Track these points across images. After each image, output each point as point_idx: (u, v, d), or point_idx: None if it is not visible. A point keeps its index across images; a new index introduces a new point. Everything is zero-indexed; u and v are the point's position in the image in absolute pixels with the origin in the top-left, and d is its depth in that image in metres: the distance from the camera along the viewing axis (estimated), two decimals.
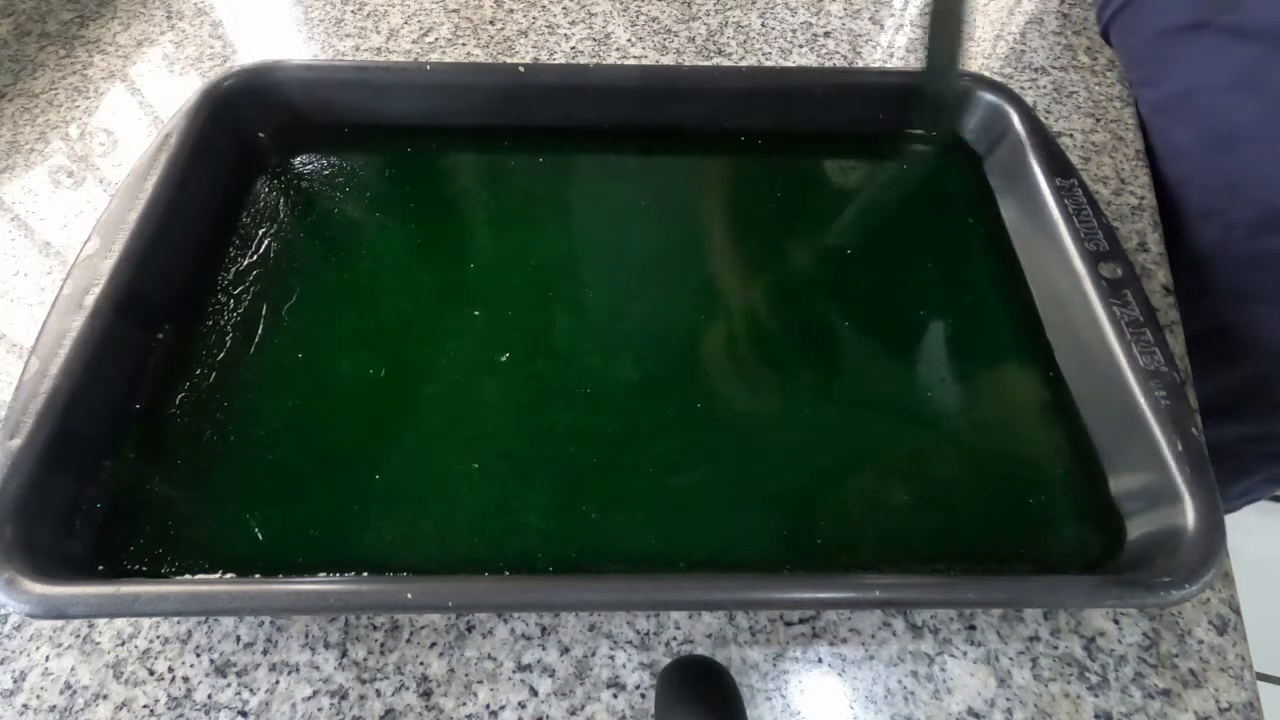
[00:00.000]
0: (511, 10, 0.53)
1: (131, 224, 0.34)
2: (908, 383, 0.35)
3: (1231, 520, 0.32)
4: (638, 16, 0.53)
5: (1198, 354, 0.38)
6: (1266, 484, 0.54)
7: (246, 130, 0.42)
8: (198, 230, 0.38)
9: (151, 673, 0.29)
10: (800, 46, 0.52)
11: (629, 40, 0.52)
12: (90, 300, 0.32)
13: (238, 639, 0.30)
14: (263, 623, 0.30)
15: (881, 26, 0.54)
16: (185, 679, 0.29)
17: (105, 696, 0.29)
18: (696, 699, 0.26)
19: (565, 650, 0.30)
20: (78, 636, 0.30)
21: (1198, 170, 0.43)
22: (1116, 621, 0.31)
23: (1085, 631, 0.31)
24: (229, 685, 0.29)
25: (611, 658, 0.30)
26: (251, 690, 0.29)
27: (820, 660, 0.30)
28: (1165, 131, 0.45)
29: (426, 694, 0.29)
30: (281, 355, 0.35)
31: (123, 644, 0.30)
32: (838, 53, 0.52)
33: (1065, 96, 0.49)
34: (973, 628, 0.31)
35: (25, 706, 0.29)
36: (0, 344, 0.38)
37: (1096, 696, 0.29)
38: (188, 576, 0.29)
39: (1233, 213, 0.42)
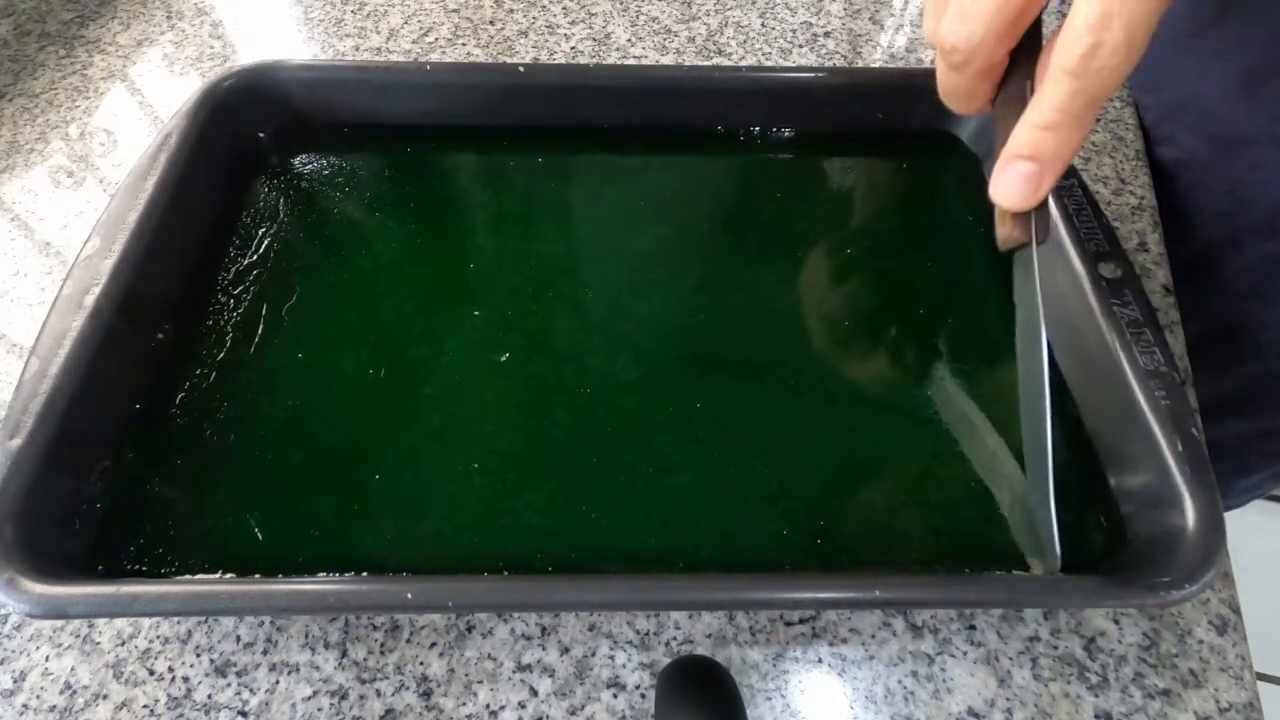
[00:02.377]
0: (511, 10, 0.53)
1: (131, 224, 0.34)
2: (907, 382, 0.35)
3: (1231, 520, 0.32)
4: (638, 16, 0.53)
5: (1204, 353, 0.38)
6: (1271, 479, 0.54)
7: (246, 130, 0.42)
8: (198, 230, 0.38)
9: (151, 673, 0.29)
10: (800, 46, 0.52)
11: (629, 40, 0.52)
12: (90, 300, 0.32)
13: (238, 639, 0.30)
14: (263, 623, 0.30)
15: (881, 26, 0.54)
16: (185, 679, 0.29)
17: (105, 696, 0.29)
18: (696, 699, 0.26)
19: (565, 650, 0.30)
20: (78, 636, 0.30)
21: (1204, 175, 0.43)
22: (1116, 621, 0.31)
23: (1085, 631, 0.31)
24: (229, 685, 0.29)
25: (611, 658, 0.30)
26: (251, 690, 0.29)
27: (820, 660, 0.30)
28: (1169, 138, 0.45)
29: (426, 694, 0.29)
30: (281, 355, 0.35)
31: (123, 644, 0.30)
32: (838, 53, 0.52)
33: None
34: (973, 628, 0.31)
35: (25, 706, 0.29)
36: (0, 344, 0.38)
37: (1096, 696, 0.29)
38: (188, 576, 0.29)
39: (1240, 216, 0.42)
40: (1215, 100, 0.42)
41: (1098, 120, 0.48)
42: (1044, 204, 0.24)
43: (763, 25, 0.53)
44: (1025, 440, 0.29)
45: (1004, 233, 0.26)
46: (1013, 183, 0.24)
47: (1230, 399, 0.45)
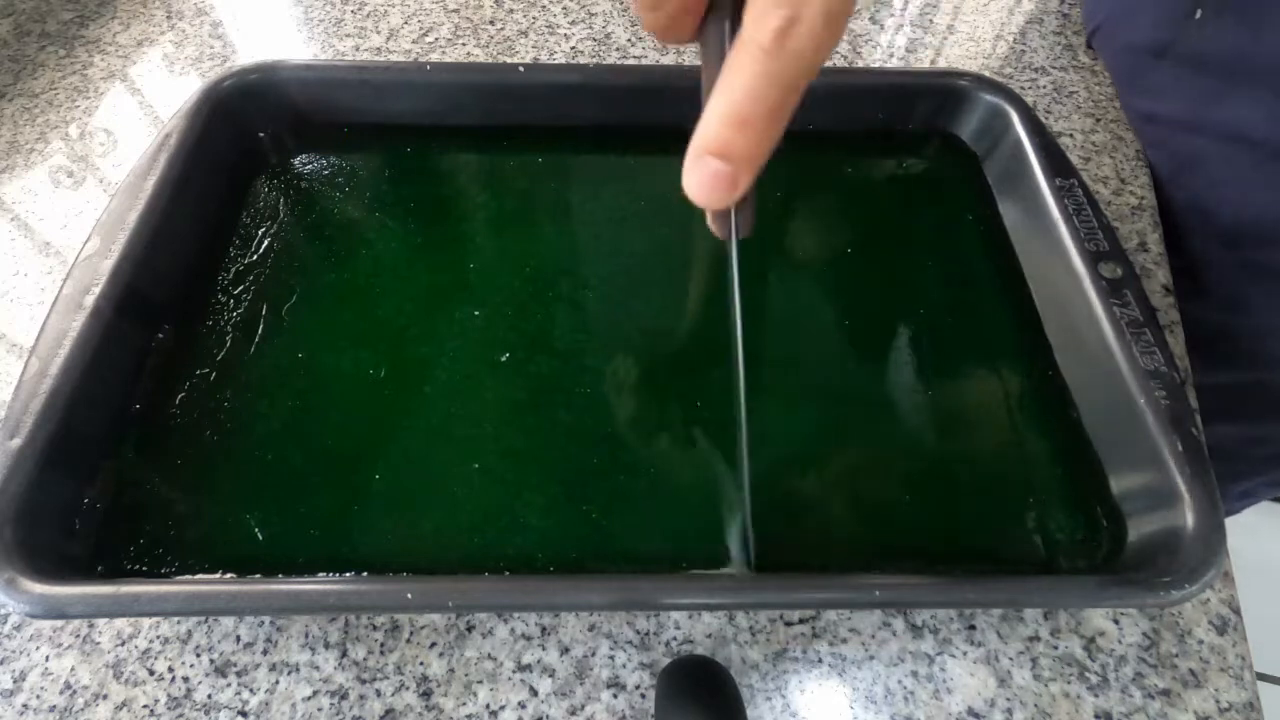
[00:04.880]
0: (511, 10, 0.53)
1: (131, 224, 0.34)
2: (907, 382, 0.35)
3: (1231, 520, 0.32)
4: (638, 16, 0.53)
5: (1194, 357, 0.39)
6: (1267, 486, 0.54)
7: (246, 130, 0.42)
8: (198, 230, 0.38)
9: (151, 673, 0.29)
10: None
11: (629, 40, 0.52)
12: (90, 300, 0.32)
13: (238, 639, 0.30)
14: (263, 623, 0.30)
15: (881, 26, 0.54)
16: (185, 679, 0.29)
17: (105, 696, 0.29)
18: (696, 699, 0.26)
19: (565, 650, 0.30)
20: (78, 636, 0.30)
21: (1170, 189, 0.45)
22: (1116, 621, 0.31)
23: (1085, 631, 0.31)
24: (229, 685, 0.29)
25: (611, 658, 0.30)
26: (251, 690, 0.29)
27: (820, 660, 0.30)
28: (1143, 150, 0.47)
29: (426, 694, 0.29)
30: (281, 355, 0.35)
31: (123, 644, 0.30)
32: (838, 52, 0.51)
33: (1065, 96, 0.49)
34: (973, 628, 0.31)
35: (25, 706, 0.29)
36: (0, 344, 0.38)
37: (1096, 696, 0.29)
38: (188, 576, 0.29)
39: (1207, 228, 0.43)
40: (1171, 121, 0.44)
41: (1097, 120, 0.48)
42: (746, 199, 0.21)
43: None
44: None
45: (710, 223, 0.23)
46: (703, 181, 0.21)
47: (1220, 404, 0.45)
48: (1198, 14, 0.40)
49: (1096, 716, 0.29)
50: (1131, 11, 0.47)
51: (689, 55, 0.51)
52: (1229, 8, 0.39)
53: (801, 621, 0.31)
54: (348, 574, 0.29)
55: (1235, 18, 0.39)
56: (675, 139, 0.43)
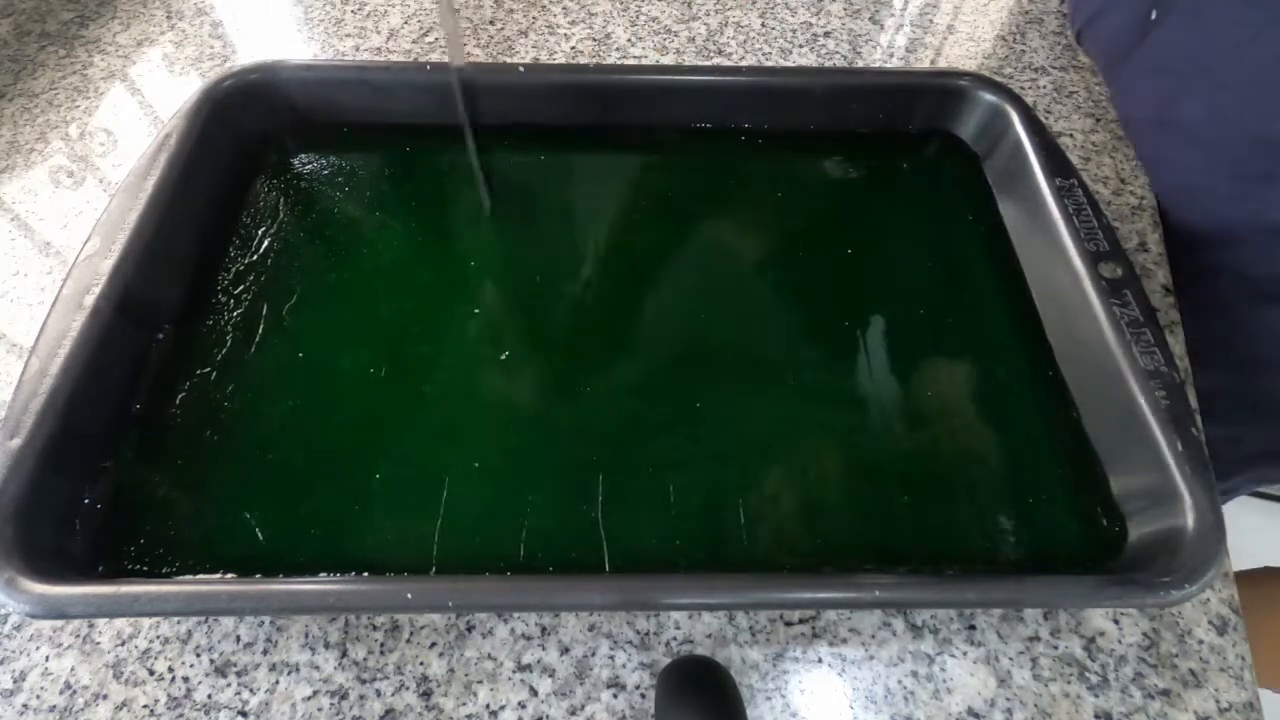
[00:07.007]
0: (511, 10, 0.53)
1: (131, 224, 0.34)
2: (908, 383, 0.35)
3: (1231, 520, 0.32)
4: (638, 16, 0.53)
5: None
6: (1248, 483, 0.55)
7: (246, 130, 0.42)
8: (198, 230, 0.38)
9: (151, 673, 0.29)
10: (800, 46, 0.52)
11: (629, 40, 0.52)
12: (90, 300, 0.32)
13: (238, 639, 0.30)
14: (263, 623, 0.30)
15: (881, 26, 0.54)
16: (185, 679, 0.29)
17: (105, 696, 0.29)
18: (696, 699, 0.26)
19: (565, 650, 0.30)
20: (78, 636, 0.30)
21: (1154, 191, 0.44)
22: (1116, 621, 0.31)
23: (1085, 631, 0.31)
24: (229, 685, 0.29)
25: (611, 658, 0.30)
26: (251, 690, 0.29)
27: (820, 660, 0.30)
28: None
29: (426, 694, 0.29)
30: (281, 355, 0.35)
31: (123, 644, 0.30)
32: (838, 53, 0.52)
33: (1065, 96, 0.49)
34: (973, 628, 0.31)
35: (25, 706, 0.29)
36: (0, 344, 0.38)
37: (1096, 696, 0.29)
38: (188, 576, 0.29)
39: (1176, 231, 0.43)
40: (1142, 122, 0.44)
41: (1097, 120, 0.48)
42: None
43: (763, 25, 0.53)
44: None
45: None
46: None
47: (1202, 405, 0.45)
48: (1153, 15, 0.41)
49: (1096, 716, 0.29)
50: (1100, 14, 0.47)
51: (689, 55, 0.51)
52: (1175, 9, 0.39)
53: (801, 621, 0.31)
54: (348, 574, 0.29)
55: (1181, 18, 0.39)
56: (674, 139, 0.43)
